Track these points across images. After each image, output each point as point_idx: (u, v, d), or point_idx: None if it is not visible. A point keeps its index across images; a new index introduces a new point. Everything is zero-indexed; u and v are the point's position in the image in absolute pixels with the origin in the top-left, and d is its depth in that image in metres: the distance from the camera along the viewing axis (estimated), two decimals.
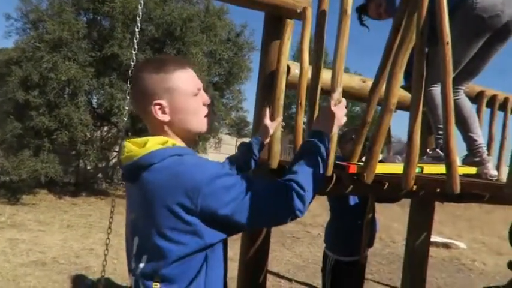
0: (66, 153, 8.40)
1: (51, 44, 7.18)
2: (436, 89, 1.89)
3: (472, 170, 1.87)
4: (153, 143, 0.99)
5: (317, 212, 7.67)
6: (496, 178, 1.86)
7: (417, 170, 1.46)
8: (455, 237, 7.84)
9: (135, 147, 1.00)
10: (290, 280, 4.67)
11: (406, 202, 3.01)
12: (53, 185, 8.20)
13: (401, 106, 1.81)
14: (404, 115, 1.72)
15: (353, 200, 2.67)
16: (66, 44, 7.22)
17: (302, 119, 1.86)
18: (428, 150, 2.07)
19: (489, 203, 1.94)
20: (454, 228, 8.91)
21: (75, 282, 4.00)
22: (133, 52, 2.15)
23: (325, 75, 1.65)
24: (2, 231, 5.50)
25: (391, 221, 8.06)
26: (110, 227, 2.15)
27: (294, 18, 1.94)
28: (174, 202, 0.91)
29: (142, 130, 8.07)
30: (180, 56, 7.53)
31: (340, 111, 1.19)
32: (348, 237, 2.67)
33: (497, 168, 2.32)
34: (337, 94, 1.23)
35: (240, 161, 1.63)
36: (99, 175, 9.76)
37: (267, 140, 1.73)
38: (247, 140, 2.10)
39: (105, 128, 9.31)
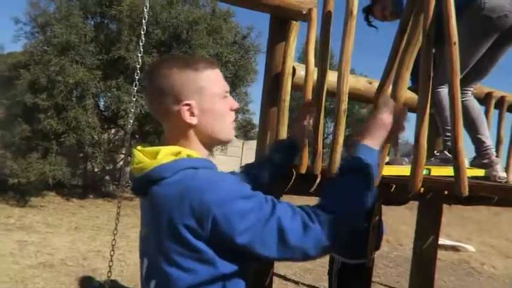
0: (74, 155, 8.46)
1: (59, 48, 7.26)
2: (444, 90, 1.88)
3: (481, 172, 1.85)
4: (165, 154, 0.87)
5: None
6: (505, 180, 1.84)
7: (424, 172, 1.45)
8: (464, 240, 7.76)
9: (145, 158, 0.89)
10: (297, 283, 4.65)
11: (414, 204, 2.99)
12: (61, 187, 8.25)
13: (408, 107, 1.79)
14: (412, 116, 1.71)
15: None
16: (73, 47, 7.29)
17: None
18: (435, 152, 2.05)
19: (498, 205, 1.91)
20: (463, 231, 8.82)
21: (83, 284, 4.02)
22: (139, 55, 2.16)
23: (331, 77, 1.64)
24: (10, 233, 5.55)
25: (399, 223, 8.00)
26: (116, 229, 2.16)
27: (300, 19, 1.93)
28: (181, 222, 0.79)
29: (149, 133, 8.12)
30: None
31: (377, 117, 1.01)
32: (355, 240, 2.65)
33: (506, 170, 2.29)
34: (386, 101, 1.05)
35: (264, 171, 1.33)
36: (107, 177, 9.81)
37: (305, 141, 1.45)
38: (253, 142, 2.08)
39: (113, 131, 9.37)
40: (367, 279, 2.76)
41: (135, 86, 2.18)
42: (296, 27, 1.90)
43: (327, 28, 1.61)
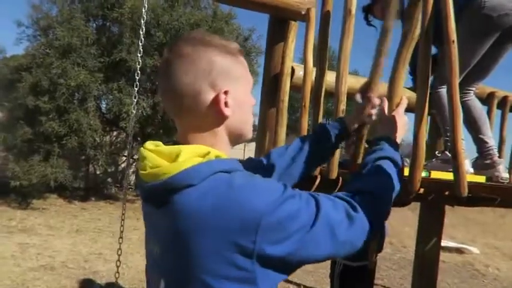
0: (76, 158, 8.47)
1: (61, 50, 7.29)
2: (444, 90, 1.85)
3: (481, 179, 1.82)
4: (190, 155, 0.71)
5: None
6: (507, 181, 1.82)
7: (425, 174, 1.43)
8: (468, 242, 7.70)
9: (162, 161, 0.72)
10: (299, 285, 4.62)
11: (418, 206, 2.96)
12: (63, 190, 8.26)
13: (409, 108, 1.77)
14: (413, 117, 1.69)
15: None
16: (75, 50, 7.31)
17: (306, 121, 1.83)
18: (437, 152, 2.03)
19: (501, 206, 1.88)
20: (467, 233, 8.76)
21: (84, 287, 4.01)
22: (139, 55, 2.15)
23: (330, 77, 1.63)
24: (12, 235, 5.55)
25: (402, 225, 7.94)
26: (121, 234, 2.15)
27: (299, 20, 1.92)
28: (225, 241, 0.66)
29: (151, 135, 8.12)
30: None
31: (401, 118, 1.05)
32: None
33: (509, 171, 2.27)
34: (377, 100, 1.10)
35: (301, 156, 1.11)
36: (109, 180, 9.82)
37: (355, 126, 1.19)
38: (254, 144, 2.05)
39: (114, 133, 9.39)
40: (369, 281, 2.73)
41: (136, 87, 2.18)
42: (295, 27, 1.89)
43: (325, 28, 1.59)
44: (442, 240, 3.11)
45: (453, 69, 1.10)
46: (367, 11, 2.24)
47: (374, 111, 1.17)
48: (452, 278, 5.42)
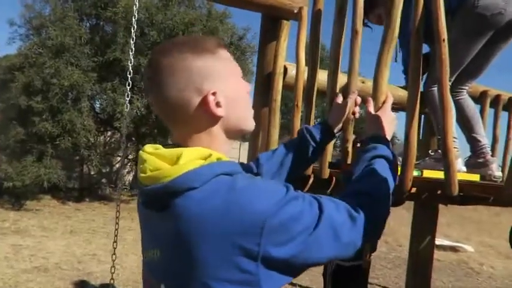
0: (70, 158, 8.42)
1: (54, 50, 7.24)
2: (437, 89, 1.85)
3: (475, 177, 1.82)
4: (191, 158, 0.71)
5: None
6: (500, 179, 1.82)
7: (417, 173, 1.42)
8: (463, 241, 7.73)
9: (163, 164, 0.71)
10: (294, 285, 4.62)
11: (412, 205, 2.96)
12: (57, 191, 8.21)
13: (402, 106, 1.76)
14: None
15: None
16: (68, 49, 7.27)
17: (299, 120, 1.82)
18: (430, 151, 2.03)
19: (495, 205, 1.88)
20: (462, 231, 8.80)
21: None
22: (131, 53, 2.13)
23: (321, 76, 1.62)
24: (5, 237, 5.51)
25: (398, 224, 7.96)
26: (115, 235, 2.13)
27: (292, 19, 1.91)
28: (229, 244, 0.66)
29: (146, 135, 8.09)
30: None
31: (387, 115, 1.06)
32: None
33: (502, 169, 2.27)
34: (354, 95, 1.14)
35: (288, 159, 1.14)
36: (103, 180, 9.77)
37: (339, 126, 1.22)
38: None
39: (109, 133, 9.34)
40: (363, 280, 2.74)
41: (128, 86, 2.15)
42: (287, 26, 1.88)
43: (317, 26, 1.58)
44: (436, 239, 3.11)
45: (444, 67, 1.09)
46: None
47: (357, 109, 1.21)
48: (447, 277, 5.44)
